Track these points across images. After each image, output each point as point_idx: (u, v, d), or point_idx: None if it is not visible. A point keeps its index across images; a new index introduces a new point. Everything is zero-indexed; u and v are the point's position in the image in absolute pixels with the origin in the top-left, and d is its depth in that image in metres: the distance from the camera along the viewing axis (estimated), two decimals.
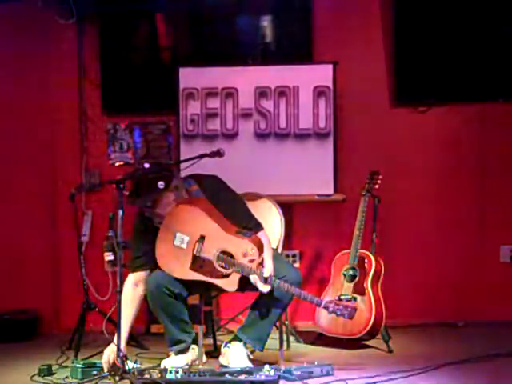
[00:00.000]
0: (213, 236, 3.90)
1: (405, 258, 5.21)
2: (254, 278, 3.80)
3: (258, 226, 3.99)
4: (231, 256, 3.86)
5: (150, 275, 3.92)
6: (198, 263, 3.89)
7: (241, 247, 3.88)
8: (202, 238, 3.89)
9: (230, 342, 3.98)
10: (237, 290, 3.98)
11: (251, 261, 3.83)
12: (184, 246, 3.89)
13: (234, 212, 3.97)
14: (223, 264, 3.86)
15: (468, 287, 5.20)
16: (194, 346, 4.03)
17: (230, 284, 3.88)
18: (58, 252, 5.40)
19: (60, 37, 5.37)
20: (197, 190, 3.99)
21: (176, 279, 3.86)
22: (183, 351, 3.96)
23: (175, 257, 3.89)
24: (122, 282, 3.72)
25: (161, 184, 3.78)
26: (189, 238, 3.89)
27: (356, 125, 5.26)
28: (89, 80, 5.42)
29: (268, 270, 3.78)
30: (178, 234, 3.90)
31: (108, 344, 3.85)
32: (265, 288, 3.79)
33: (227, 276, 3.87)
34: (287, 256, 5.03)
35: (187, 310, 3.96)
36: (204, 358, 4.08)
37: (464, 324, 5.11)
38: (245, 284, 3.93)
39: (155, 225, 3.92)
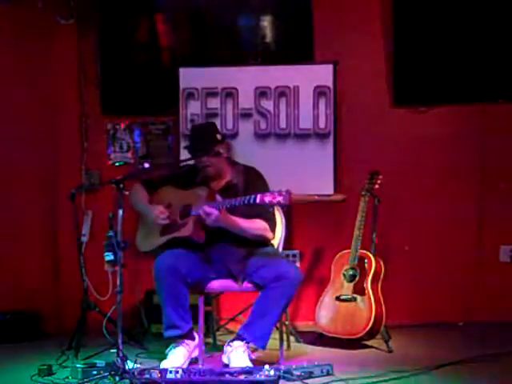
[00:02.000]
0: (178, 200, 4.13)
1: (405, 258, 5.22)
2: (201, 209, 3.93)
3: (269, 219, 4.10)
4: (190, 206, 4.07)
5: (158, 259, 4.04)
6: (166, 228, 4.12)
7: (196, 193, 4.08)
8: (169, 205, 4.13)
9: (232, 340, 4.00)
10: (234, 280, 4.03)
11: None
12: None
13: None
14: (183, 214, 4.08)
15: (468, 287, 5.19)
16: (188, 342, 4.06)
17: (185, 229, 4.04)
18: (58, 252, 5.40)
19: (60, 37, 5.38)
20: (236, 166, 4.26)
21: (184, 262, 3.98)
22: (178, 340, 4.00)
23: (148, 233, 4.18)
24: (121, 281, 3.73)
25: (219, 136, 4.18)
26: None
27: (356, 125, 5.26)
28: (89, 80, 5.43)
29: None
30: None
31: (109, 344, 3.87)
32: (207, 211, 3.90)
33: (185, 225, 4.05)
34: (287, 256, 5.03)
35: (188, 300, 4.04)
36: (204, 358, 4.09)
37: (464, 324, 5.11)
38: (242, 276, 4.05)
39: (197, 181, 4.16)
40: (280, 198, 3.67)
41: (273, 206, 3.78)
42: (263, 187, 4.14)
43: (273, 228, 4.17)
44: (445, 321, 5.12)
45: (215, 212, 3.87)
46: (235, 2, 5.30)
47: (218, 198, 3.96)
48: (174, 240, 4.08)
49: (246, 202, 3.80)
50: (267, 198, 3.69)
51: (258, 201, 3.73)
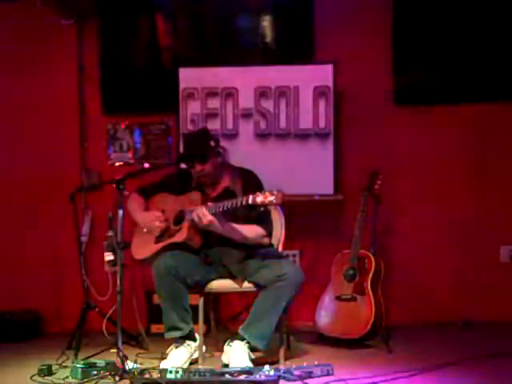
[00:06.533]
0: (172, 205, 4.16)
1: (405, 258, 5.21)
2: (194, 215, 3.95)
3: (266, 225, 4.06)
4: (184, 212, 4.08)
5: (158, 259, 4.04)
6: (160, 235, 4.14)
7: (189, 198, 4.11)
8: (163, 211, 4.17)
9: (232, 340, 3.99)
10: (234, 280, 4.03)
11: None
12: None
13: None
14: (177, 221, 4.11)
15: (468, 287, 5.20)
16: (189, 343, 4.05)
17: (180, 234, 4.05)
18: (58, 252, 5.40)
19: (60, 37, 5.38)
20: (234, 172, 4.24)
21: (183, 263, 3.98)
22: (179, 341, 3.99)
23: (143, 242, 4.18)
24: (121, 281, 3.73)
25: (212, 142, 4.16)
26: None
27: (356, 125, 5.26)
28: (89, 80, 5.43)
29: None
30: None
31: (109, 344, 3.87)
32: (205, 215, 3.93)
33: (180, 230, 4.08)
34: (287, 256, 5.02)
35: (188, 301, 4.05)
36: (204, 358, 4.09)
37: (464, 324, 5.11)
38: (242, 276, 4.05)
39: (192, 186, 4.18)
40: (272, 198, 3.68)
41: (265, 205, 3.78)
42: (260, 190, 4.12)
43: (270, 233, 4.15)
44: (445, 321, 5.12)
45: (208, 215, 3.87)
46: (235, 2, 5.30)
47: (210, 204, 3.94)
48: (169, 246, 4.07)
49: (238, 203, 3.79)
50: (259, 199, 3.69)
51: (250, 201, 3.72)
